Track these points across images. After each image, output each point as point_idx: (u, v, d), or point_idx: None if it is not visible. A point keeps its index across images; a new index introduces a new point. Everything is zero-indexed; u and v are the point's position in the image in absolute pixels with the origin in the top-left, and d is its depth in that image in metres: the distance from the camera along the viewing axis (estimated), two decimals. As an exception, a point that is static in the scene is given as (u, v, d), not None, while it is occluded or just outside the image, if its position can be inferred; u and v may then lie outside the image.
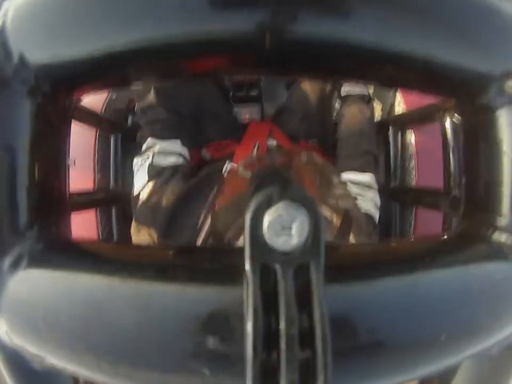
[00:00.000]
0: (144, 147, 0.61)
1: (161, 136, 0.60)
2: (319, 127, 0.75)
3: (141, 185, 0.57)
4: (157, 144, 0.59)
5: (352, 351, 0.16)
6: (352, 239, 0.39)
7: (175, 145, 0.60)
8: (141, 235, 0.54)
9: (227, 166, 0.59)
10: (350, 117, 0.70)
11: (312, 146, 0.72)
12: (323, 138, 0.75)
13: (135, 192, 0.57)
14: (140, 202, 0.55)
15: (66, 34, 0.18)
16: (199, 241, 0.44)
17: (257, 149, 0.66)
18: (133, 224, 0.56)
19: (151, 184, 0.56)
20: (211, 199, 0.53)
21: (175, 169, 0.58)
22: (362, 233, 0.43)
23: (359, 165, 0.62)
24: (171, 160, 0.59)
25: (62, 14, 0.19)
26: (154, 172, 0.57)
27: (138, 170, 0.58)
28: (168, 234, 0.52)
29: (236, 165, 0.59)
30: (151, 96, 0.64)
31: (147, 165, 0.57)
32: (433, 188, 0.64)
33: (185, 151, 0.62)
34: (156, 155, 0.58)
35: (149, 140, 0.60)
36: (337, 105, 0.76)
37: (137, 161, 0.59)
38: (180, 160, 0.60)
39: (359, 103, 0.71)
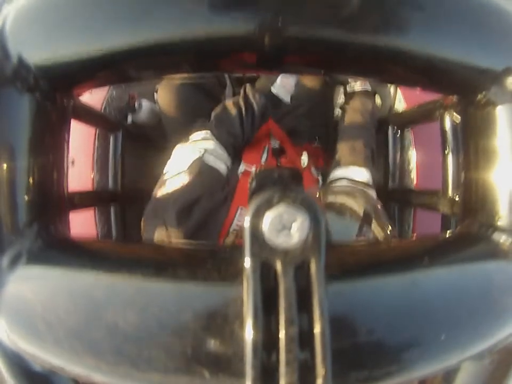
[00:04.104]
0: (195, 136, 0.58)
1: (217, 134, 0.58)
2: (320, 122, 0.75)
3: (174, 171, 0.53)
4: (212, 142, 0.57)
5: (352, 351, 0.16)
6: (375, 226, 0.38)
7: (227, 157, 0.59)
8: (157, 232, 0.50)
9: (241, 168, 0.59)
10: (352, 110, 0.70)
11: (316, 149, 0.72)
12: (325, 136, 0.75)
13: (165, 176, 0.53)
14: (166, 191, 0.51)
15: (63, 34, 0.19)
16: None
17: (267, 152, 0.66)
18: (148, 218, 0.52)
19: (187, 176, 0.52)
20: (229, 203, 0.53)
21: (217, 174, 0.55)
22: (381, 218, 0.42)
23: (358, 159, 0.62)
24: (220, 166, 0.56)
25: (59, 15, 0.19)
26: (198, 167, 0.52)
27: (178, 155, 0.55)
28: (195, 238, 0.49)
29: (249, 165, 0.60)
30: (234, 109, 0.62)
31: (195, 156, 0.53)
32: (432, 189, 0.64)
33: (229, 164, 0.60)
34: (207, 152, 0.55)
35: (204, 133, 0.57)
36: (340, 100, 0.77)
37: (181, 147, 0.57)
38: (225, 172, 0.57)
39: (363, 97, 0.71)
